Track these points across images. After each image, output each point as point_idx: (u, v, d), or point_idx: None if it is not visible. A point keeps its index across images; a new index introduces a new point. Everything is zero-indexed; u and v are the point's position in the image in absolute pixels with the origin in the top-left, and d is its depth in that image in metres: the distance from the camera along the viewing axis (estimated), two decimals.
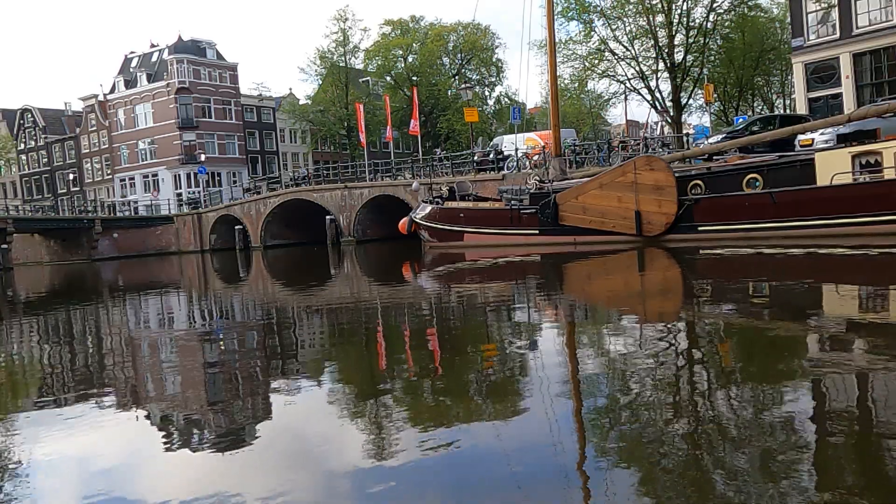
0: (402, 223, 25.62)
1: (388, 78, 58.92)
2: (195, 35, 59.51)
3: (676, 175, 17.95)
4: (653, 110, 39.49)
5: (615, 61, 37.13)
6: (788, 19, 29.21)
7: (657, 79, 37.45)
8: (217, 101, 57.91)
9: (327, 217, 36.68)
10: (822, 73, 26.17)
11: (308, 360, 7.38)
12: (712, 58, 39.03)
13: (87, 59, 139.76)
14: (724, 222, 16.99)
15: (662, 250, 16.70)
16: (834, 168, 15.39)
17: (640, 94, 38.32)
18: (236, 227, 41.43)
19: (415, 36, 58.17)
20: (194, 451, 4.39)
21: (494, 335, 7.86)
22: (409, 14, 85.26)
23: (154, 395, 6.17)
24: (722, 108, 47.84)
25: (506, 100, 58.87)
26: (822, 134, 17.78)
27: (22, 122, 67.10)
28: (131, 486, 3.85)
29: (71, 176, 63.05)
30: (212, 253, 41.51)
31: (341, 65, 55.47)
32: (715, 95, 38.93)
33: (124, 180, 59.74)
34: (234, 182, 54.61)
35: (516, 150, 28.20)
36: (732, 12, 37.08)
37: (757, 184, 16.72)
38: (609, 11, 36.32)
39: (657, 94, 37.55)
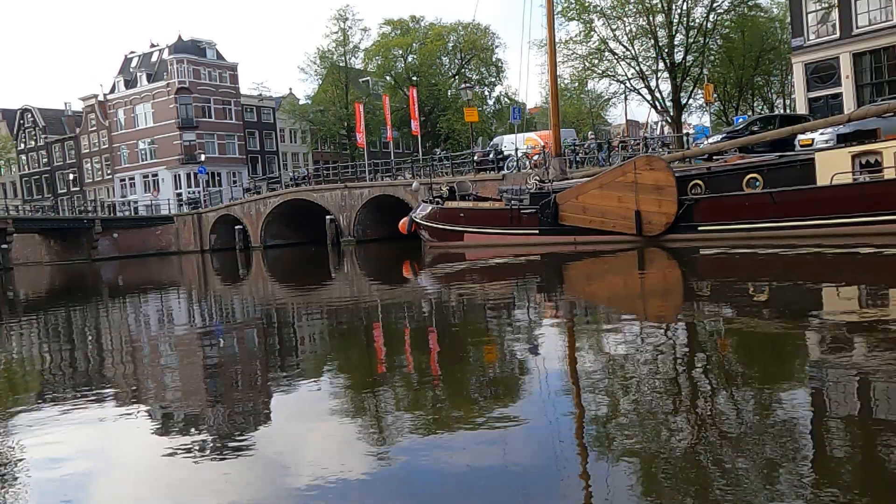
0: (402, 223, 25.60)
1: (388, 78, 58.85)
2: (195, 35, 59.51)
3: (676, 175, 17.94)
4: (653, 110, 39.47)
5: (615, 61, 37.08)
6: (788, 19, 29.21)
7: (657, 79, 37.42)
8: (217, 101, 57.90)
9: (327, 217, 36.68)
10: (822, 73, 26.15)
11: (307, 361, 7.37)
12: (712, 58, 39.00)
13: (87, 59, 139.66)
14: (724, 222, 16.98)
15: (662, 250, 16.70)
16: (834, 168, 15.38)
17: (640, 93, 38.26)
18: (236, 227, 41.41)
19: (415, 36, 58.11)
20: (189, 452, 4.37)
21: (494, 335, 7.86)
22: (409, 14, 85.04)
23: (151, 395, 6.16)
24: (722, 108, 47.78)
25: (506, 100, 58.79)
26: (822, 134, 17.76)
27: (22, 122, 67.05)
28: (128, 486, 3.84)
29: (71, 176, 63.03)
30: (212, 253, 41.49)
31: (341, 65, 55.45)
32: (715, 95, 38.90)
33: (124, 180, 59.72)
34: (234, 182, 54.55)
35: (516, 150, 28.18)
36: (732, 12, 37.01)
37: (757, 184, 16.72)
38: (609, 11, 36.27)
39: (657, 94, 37.50)
